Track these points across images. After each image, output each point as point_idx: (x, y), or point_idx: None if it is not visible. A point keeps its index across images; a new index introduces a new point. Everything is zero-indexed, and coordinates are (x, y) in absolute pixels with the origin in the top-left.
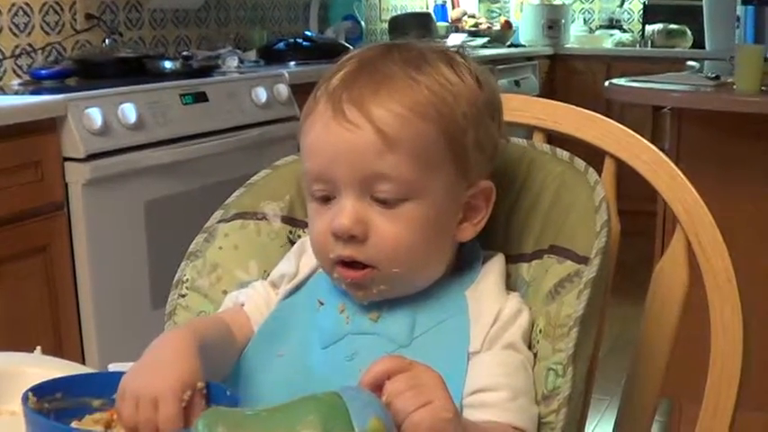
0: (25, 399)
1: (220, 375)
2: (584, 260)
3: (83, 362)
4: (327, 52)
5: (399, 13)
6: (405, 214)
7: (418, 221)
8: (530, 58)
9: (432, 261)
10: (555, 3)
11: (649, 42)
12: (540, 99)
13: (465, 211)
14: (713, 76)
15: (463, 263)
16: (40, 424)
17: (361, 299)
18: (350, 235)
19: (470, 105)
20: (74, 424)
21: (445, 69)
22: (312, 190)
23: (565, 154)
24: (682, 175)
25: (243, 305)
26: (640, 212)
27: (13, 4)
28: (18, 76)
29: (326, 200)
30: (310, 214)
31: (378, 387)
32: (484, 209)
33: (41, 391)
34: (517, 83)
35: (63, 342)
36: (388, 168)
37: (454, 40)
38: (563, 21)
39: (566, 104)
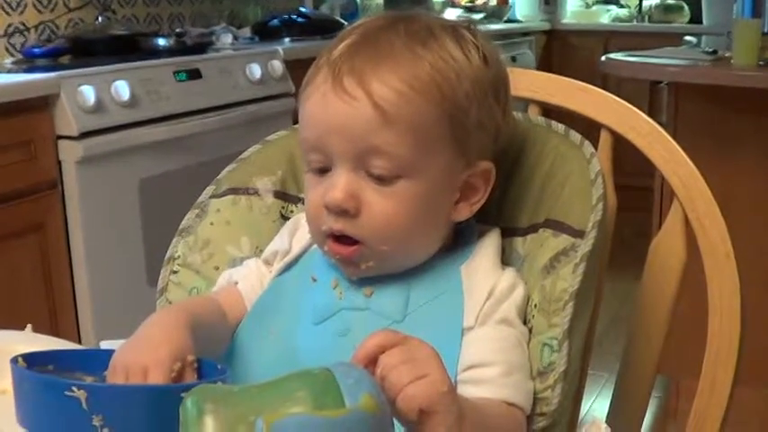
0: (15, 361)
1: (213, 355)
2: (579, 234)
3: (78, 339)
4: (322, 28)
5: None
6: (398, 192)
7: (412, 200)
8: (526, 34)
9: (423, 240)
10: None
11: (646, 17)
12: (535, 71)
13: (462, 190)
14: (711, 50)
15: (458, 238)
16: (28, 379)
17: (351, 274)
18: (342, 209)
19: (474, 84)
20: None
21: (451, 45)
22: (308, 160)
23: (560, 127)
24: (678, 148)
25: (236, 284)
26: (637, 188)
27: None
28: (11, 54)
29: (322, 171)
30: (306, 185)
31: (371, 361)
32: (482, 190)
33: (33, 360)
34: (513, 58)
35: (58, 320)
36: (384, 144)
37: (450, 15)
38: None
39: (560, 77)
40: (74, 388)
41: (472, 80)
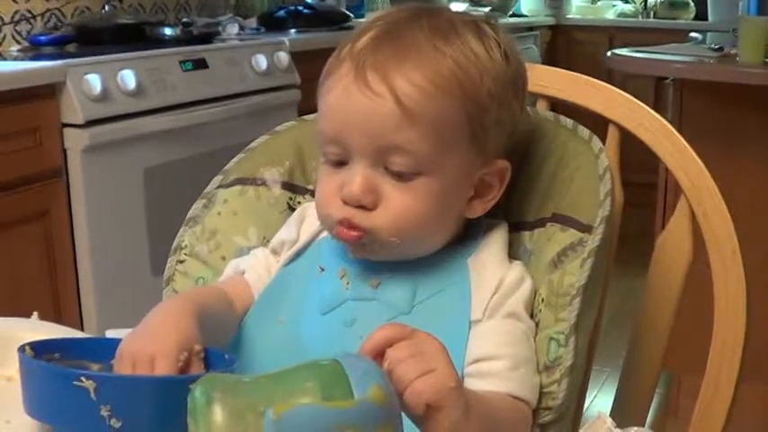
0: (22, 350)
1: (220, 344)
2: (587, 229)
3: (81, 328)
4: (328, 19)
5: None
6: (416, 188)
7: (428, 196)
8: (531, 29)
9: (434, 235)
10: None
11: (652, 13)
12: (544, 66)
13: (477, 188)
14: (716, 47)
15: (466, 231)
16: (36, 369)
17: (356, 255)
18: (359, 204)
19: (495, 82)
20: None
21: (473, 42)
22: (325, 151)
23: (568, 121)
24: (686, 144)
25: (243, 273)
26: (641, 184)
27: None
28: (17, 42)
29: (339, 164)
30: (320, 174)
31: (379, 354)
32: (497, 188)
33: (40, 348)
34: None
35: (61, 308)
36: (405, 141)
37: (456, 8)
38: None
39: (569, 72)
40: (82, 378)
41: (493, 78)
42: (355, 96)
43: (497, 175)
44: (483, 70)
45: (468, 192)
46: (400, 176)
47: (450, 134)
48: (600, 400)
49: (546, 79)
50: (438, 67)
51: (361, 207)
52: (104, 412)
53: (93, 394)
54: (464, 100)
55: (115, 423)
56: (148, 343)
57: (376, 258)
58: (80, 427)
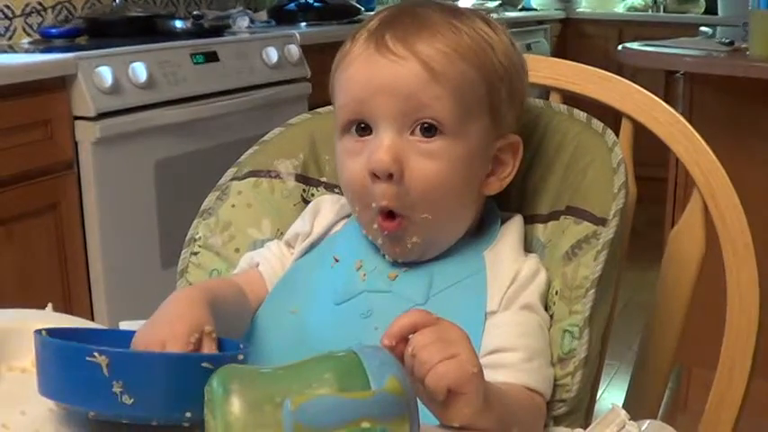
0: (39, 332)
1: (234, 335)
2: (601, 221)
3: (92, 320)
4: (338, 13)
5: None
6: (440, 153)
7: (453, 160)
8: (541, 22)
9: (459, 210)
10: None
11: (662, 7)
12: (558, 59)
13: (493, 165)
14: (727, 41)
15: (482, 224)
16: (51, 345)
17: (396, 255)
18: (388, 173)
19: (505, 58)
20: None
21: (481, 23)
22: (346, 126)
23: (582, 114)
24: (699, 138)
25: (258, 266)
26: (649, 178)
27: None
28: (28, 34)
29: (362, 135)
30: (341, 157)
31: (403, 340)
32: (511, 164)
33: (56, 335)
34: (528, 47)
35: (72, 301)
36: (432, 98)
37: (464, 3)
38: None
39: (583, 65)
40: (95, 353)
41: (504, 54)
42: (379, 62)
43: (511, 149)
44: (495, 46)
45: (486, 166)
46: (428, 132)
47: (472, 99)
48: (609, 394)
49: (559, 72)
50: (455, 38)
51: (390, 177)
52: (117, 389)
53: (105, 370)
54: (482, 68)
55: (127, 400)
56: (160, 330)
57: (408, 258)
58: (92, 404)
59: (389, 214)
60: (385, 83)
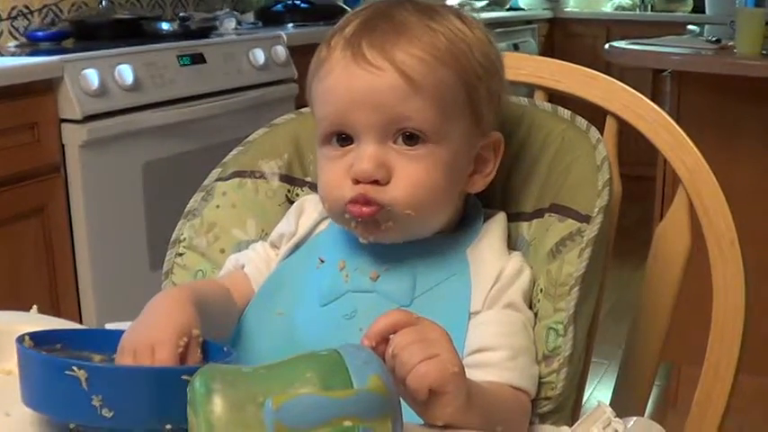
0: (20, 340)
1: (220, 337)
2: (585, 219)
3: (80, 322)
4: (325, 14)
5: None
6: (425, 158)
7: (438, 165)
8: (529, 22)
9: (442, 209)
10: None
11: (649, 6)
12: (542, 57)
13: (476, 163)
14: (714, 39)
15: (465, 220)
16: (31, 358)
17: (368, 237)
18: (372, 179)
19: (483, 56)
20: None
21: (456, 21)
22: (326, 138)
23: (566, 112)
24: (684, 135)
25: (243, 267)
26: (638, 177)
27: None
28: (14, 38)
29: (343, 145)
30: (321, 163)
31: (383, 340)
32: (492, 161)
33: (41, 339)
34: (516, 46)
35: (60, 303)
36: (411, 110)
37: (452, 2)
38: None
39: (567, 63)
40: (74, 368)
41: (480, 51)
42: (357, 73)
43: (493, 147)
44: (471, 45)
45: (469, 165)
46: (410, 143)
47: (452, 103)
48: (599, 393)
49: (543, 70)
50: (432, 41)
51: (375, 183)
52: (96, 402)
53: (84, 384)
54: (460, 71)
55: (107, 413)
56: (148, 333)
57: (384, 240)
58: (73, 416)
59: (366, 202)
60: (365, 96)
